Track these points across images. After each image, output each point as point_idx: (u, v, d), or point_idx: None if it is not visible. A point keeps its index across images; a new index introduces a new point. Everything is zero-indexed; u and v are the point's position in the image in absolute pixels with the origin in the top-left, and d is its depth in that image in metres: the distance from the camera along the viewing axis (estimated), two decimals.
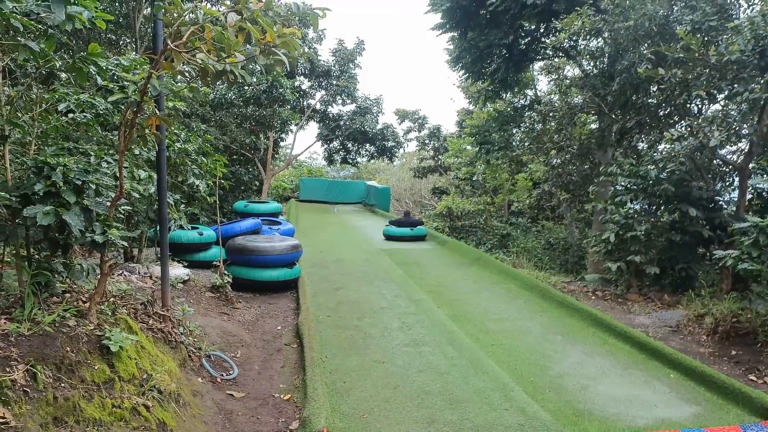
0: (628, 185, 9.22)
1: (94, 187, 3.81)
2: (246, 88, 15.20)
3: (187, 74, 3.88)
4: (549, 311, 7.81)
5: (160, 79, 3.87)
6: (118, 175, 4.19)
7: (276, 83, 15.19)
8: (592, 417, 4.46)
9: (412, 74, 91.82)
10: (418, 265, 10.99)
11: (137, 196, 5.90)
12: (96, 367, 3.33)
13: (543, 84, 30.30)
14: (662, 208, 8.95)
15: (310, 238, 14.14)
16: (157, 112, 4.29)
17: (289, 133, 25.98)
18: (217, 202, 7.86)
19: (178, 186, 7.92)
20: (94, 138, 5.98)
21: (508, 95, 18.90)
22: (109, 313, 3.99)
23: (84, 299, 4.05)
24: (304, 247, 10.46)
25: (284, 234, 11.73)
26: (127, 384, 3.49)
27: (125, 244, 6.65)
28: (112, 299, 4.39)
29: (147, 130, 4.04)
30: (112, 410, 3.18)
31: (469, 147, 29.31)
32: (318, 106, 25.56)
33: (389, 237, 14.40)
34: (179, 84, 5.70)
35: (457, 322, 7.10)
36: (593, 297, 8.91)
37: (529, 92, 20.45)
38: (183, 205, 8.57)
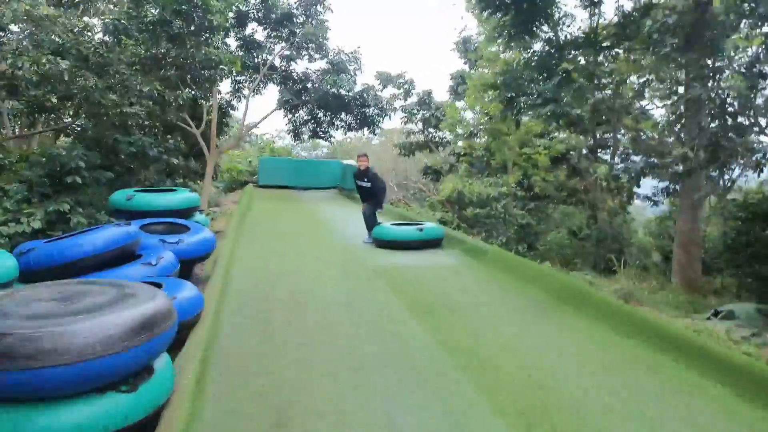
0: None
1: None
2: (146, 6, 9.35)
3: None
4: None
5: None
6: None
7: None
8: None
9: (393, 33, 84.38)
10: (450, 311, 5.54)
11: None
12: None
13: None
14: None
15: (255, 246, 8.62)
16: None
17: (242, 99, 20.19)
18: None
19: None
20: None
21: (539, 31, 13.47)
22: None
23: None
24: (242, 261, 5.95)
25: (186, 253, 6.17)
26: None
27: None
28: None
29: None
30: None
31: (469, 114, 23.87)
32: (278, 63, 19.75)
33: (382, 243, 8.92)
34: None
35: None
36: None
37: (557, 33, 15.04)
38: None
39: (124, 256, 5.51)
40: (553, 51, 11.98)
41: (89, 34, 9.58)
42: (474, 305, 5.71)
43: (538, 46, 14.47)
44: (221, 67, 10.50)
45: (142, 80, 9.22)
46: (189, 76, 10.55)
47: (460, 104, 25.18)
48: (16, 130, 13.66)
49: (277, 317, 5.11)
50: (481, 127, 22.44)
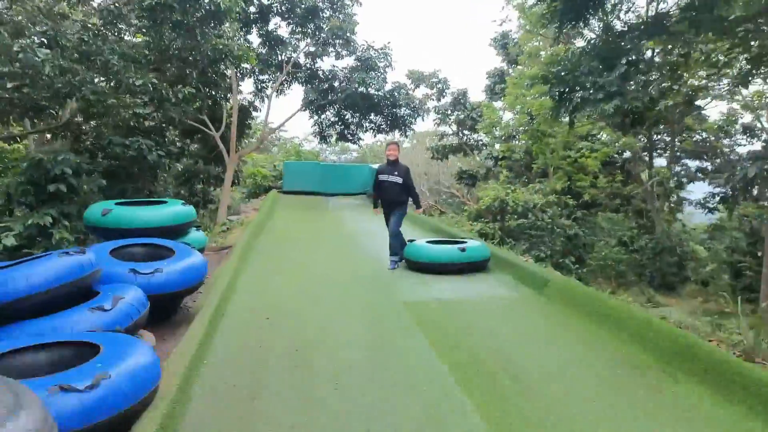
0: None
1: None
2: None
3: None
4: None
5: None
6: None
7: None
8: None
9: (426, 28, 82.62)
10: (511, 377, 3.98)
11: None
12: None
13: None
14: None
15: (265, 269, 7.25)
16: None
17: (264, 99, 19.00)
18: None
19: None
20: None
21: (593, 18, 11.83)
22: None
23: None
24: (242, 291, 5.28)
25: (166, 286, 4.78)
26: None
27: None
28: None
29: None
30: None
31: (510, 115, 22.18)
32: (302, 60, 18.49)
33: (416, 265, 7.40)
34: None
35: None
36: None
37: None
38: None
39: (78, 293, 4.17)
40: (614, 39, 10.24)
41: (85, 20, 8.38)
42: (543, 367, 4.15)
43: (591, 35, 12.82)
44: (232, 57, 9.13)
45: (137, 73, 7.94)
46: (195, 71, 9.27)
47: (497, 104, 23.54)
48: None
49: (270, 386, 3.67)
50: (522, 128, 20.74)
